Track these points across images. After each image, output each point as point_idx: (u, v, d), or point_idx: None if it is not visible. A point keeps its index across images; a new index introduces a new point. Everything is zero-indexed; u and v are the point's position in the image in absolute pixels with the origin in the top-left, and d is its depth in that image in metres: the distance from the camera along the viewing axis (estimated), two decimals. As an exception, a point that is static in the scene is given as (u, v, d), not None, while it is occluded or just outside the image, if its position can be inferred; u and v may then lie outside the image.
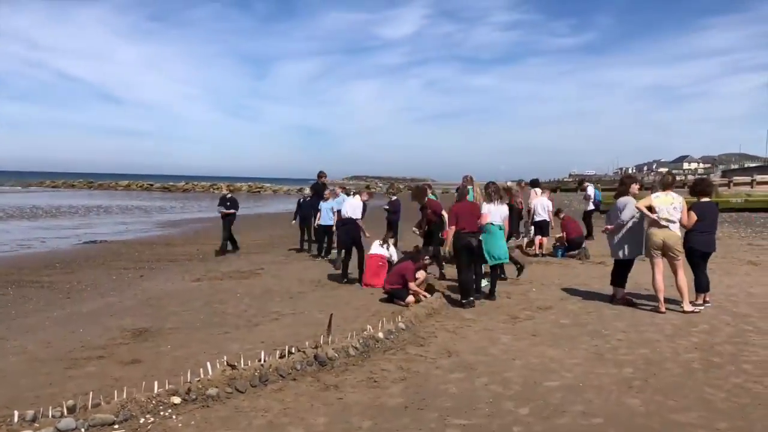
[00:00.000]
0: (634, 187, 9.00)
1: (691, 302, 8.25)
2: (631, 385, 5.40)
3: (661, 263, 8.28)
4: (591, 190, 18.48)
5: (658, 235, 8.20)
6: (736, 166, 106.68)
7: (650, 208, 8.24)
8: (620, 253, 8.66)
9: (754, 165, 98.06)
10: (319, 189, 15.18)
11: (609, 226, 8.72)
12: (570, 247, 14.23)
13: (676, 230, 8.26)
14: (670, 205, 8.19)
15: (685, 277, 8.24)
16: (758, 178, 51.24)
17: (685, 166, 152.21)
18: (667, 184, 8.50)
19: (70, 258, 14.51)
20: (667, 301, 8.27)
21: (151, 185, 79.54)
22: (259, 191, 76.68)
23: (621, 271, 8.87)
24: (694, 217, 8.32)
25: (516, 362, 6.09)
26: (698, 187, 8.76)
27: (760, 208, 27.75)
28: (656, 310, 8.23)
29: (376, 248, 10.93)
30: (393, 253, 11.23)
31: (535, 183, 17.08)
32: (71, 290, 10.25)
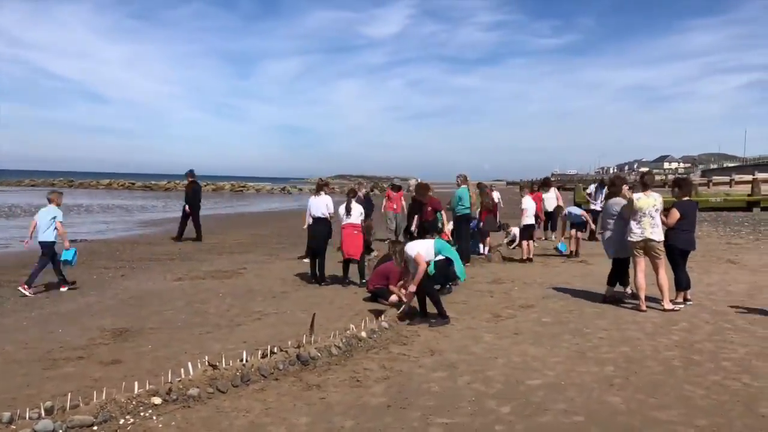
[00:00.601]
0: (625, 188, 9.16)
1: (671, 300, 8.33)
2: (612, 383, 5.44)
3: (642, 262, 8.35)
4: (592, 188, 18.26)
5: (639, 234, 8.28)
6: (716, 166, 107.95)
7: (632, 210, 8.29)
8: (621, 253, 8.74)
9: (732, 165, 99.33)
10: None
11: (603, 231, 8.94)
12: None
13: (659, 233, 8.29)
14: (652, 207, 8.24)
15: (666, 275, 8.32)
16: (737, 177, 51.98)
17: (666, 165, 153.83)
18: (646, 184, 8.54)
19: (50, 257, 14.29)
20: (647, 299, 8.35)
21: (133, 184, 78.76)
22: (242, 190, 76.30)
23: (620, 270, 8.99)
24: (677, 215, 8.38)
25: (498, 361, 6.11)
26: (680, 186, 8.84)
27: (738, 207, 28.14)
28: (638, 308, 8.30)
29: (348, 219, 10.66)
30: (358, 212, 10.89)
31: (546, 183, 17.13)
32: (50, 290, 10.11)
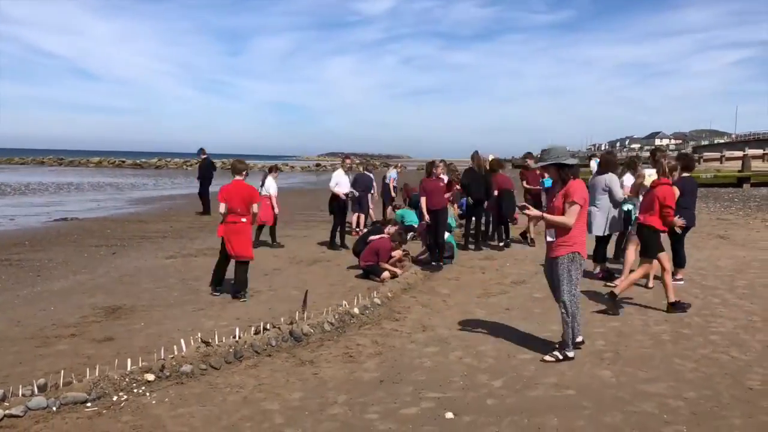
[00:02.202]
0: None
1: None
2: (602, 357, 5.50)
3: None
4: (594, 164, 18.24)
5: None
6: (707, 143, 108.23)
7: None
8: (613, 228, 8.77)
9: (723, 141, 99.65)
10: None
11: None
12: None
13: None
14: None
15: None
16: (727, 154, 52.19)
17: (657, 142, 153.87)
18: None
19: (40, 236, 14.23)
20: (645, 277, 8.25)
21: (123, 162, 78.12)
22: (232, 168, 75.84)
23: (602, 247, 9.01)
24: (674, 192, 8.30)
25: (490, 336, 6.15)
26: (682, 162, 8.71)
27: (729, 183, 28.27)
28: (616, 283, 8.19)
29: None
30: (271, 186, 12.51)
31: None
32: (41, 268, 10.07)
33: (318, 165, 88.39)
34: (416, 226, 11.87)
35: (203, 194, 19.12)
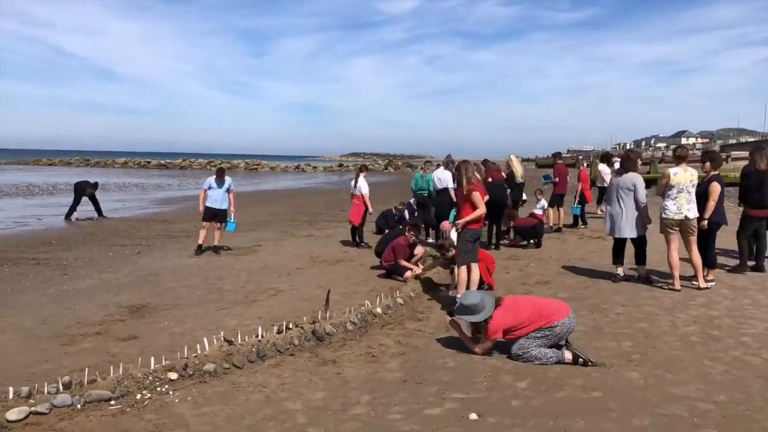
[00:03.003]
0: (639, 163, 8.87)
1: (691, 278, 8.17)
2: (630, 358, 5.39)
3: (677, 239, 8.02)
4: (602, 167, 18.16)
5: (675, 212, 7.94)
6: (734, 141, 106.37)
7: (669, 186, 7.95)
8: (638, 231, 8.44)
9: (752, 140, 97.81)
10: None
11: (607, 207, 8.60)
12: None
13: (695, 210, 7.96)
14: (689, 182, 7.88)
15: (698, 252, 8.05)
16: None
17: (683, 141, 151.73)
18: (681, 157, 8.13)
19: (67, 235, 14.44)
20: (670, 276, 8.10)
21: (148, 162, 79.10)
22: (256, 168, 76.47)
23: (621, 248, 8.70)
24: (719, 188, 8.14)
25: (514, 336, 6.06)
26: (712, 160, 8.49)
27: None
28: (671, 287, 7.99)
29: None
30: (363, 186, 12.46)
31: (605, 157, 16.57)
32: (68, 267, 10.20)
33: (340, 165, 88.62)
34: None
35: None
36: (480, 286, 7.57)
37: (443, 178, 11.54)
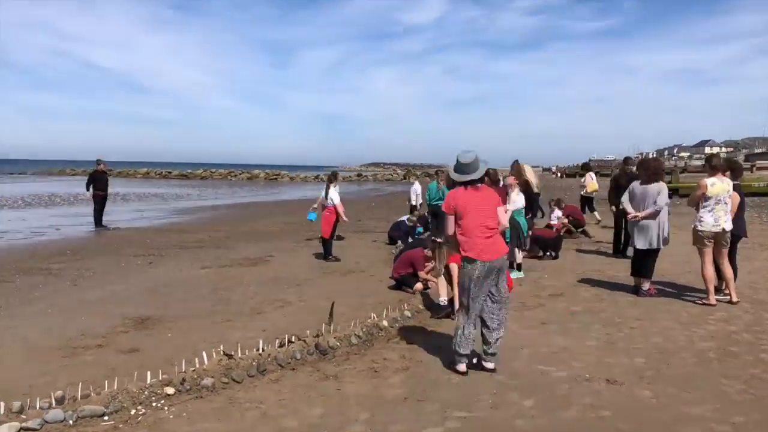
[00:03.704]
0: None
1: (719, 290, 7.87)
2: (642, 375, 5.18)
3: (710, 252, 7.72)
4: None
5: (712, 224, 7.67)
6: (760, 150, 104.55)
7: (705, 197, 7.65)
8: (656, 243, 8.14)
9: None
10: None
11: (640, 213, 8.22)
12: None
13: (730, 222, 7.67)
14: (726, 193, 7.61)
15: (730, 266, 7.80)
16: (782, 161, 50.17)
17: (707, 150, 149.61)
18: (716, 167, 7.81)
19: (82, 245, 14.49)
20: (689, 289, 7.82)
21: (170, 173, 79.88)
22: (276, 178, 76.88)
23: (646, 261, 8.31)
24: (738, 199, 7.88)
25: (524, 351, 5.89)
26: (733, 170, 8.14)
27: (783, 192, 27.12)
28: (706, 302, 7.67)
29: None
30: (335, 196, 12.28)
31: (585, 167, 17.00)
32: (78, 277, 10.19)
33: (359, 175, 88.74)
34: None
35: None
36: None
37: None
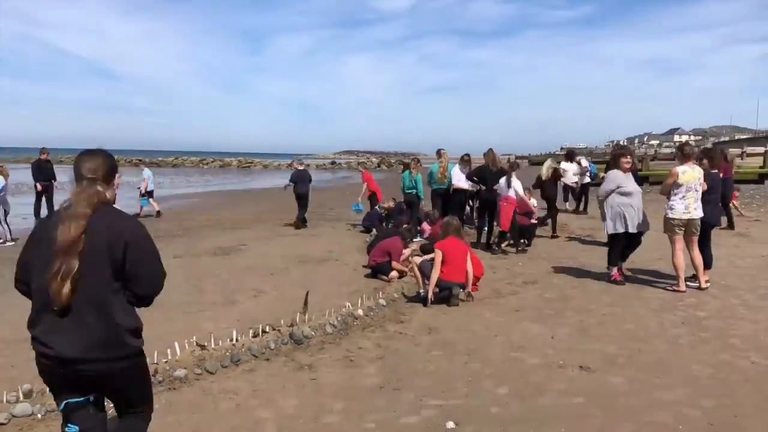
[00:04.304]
0: (623, 160, 8.57)
1: (694, 277, 7.98)
2: (615, 362, 5.25)
3: (681, 240, 7.80)
4: (585, 162, 18.34)
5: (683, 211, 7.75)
6: (727, 138, 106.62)
7: (676, 184, 7.72)
8: (641, 227, 8.26)
9: (744, 137, 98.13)
10: None
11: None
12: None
13: (701, 210, 7.76)
14: (697, 181, 7.70)
15: (699, 253, 7.87)
16: (749, 149, 51.09)
17: (676, 138, 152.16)
18: (688, 155, 7.88)
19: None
20: (660, 275, 7.92)
21: (141, 160, 78.57)
22: (249, 166, 76.17)
23: (619, 247, 8.39)
24: (705, 187, 7.95)
25: (498, 339, 5.92)
26: (710, 158, 8.32)
27: (749, 179, 27.67)
28: (676, 289, 7.76)
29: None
30: None
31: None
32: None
33: (333, 163, 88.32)
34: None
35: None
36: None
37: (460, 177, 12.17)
